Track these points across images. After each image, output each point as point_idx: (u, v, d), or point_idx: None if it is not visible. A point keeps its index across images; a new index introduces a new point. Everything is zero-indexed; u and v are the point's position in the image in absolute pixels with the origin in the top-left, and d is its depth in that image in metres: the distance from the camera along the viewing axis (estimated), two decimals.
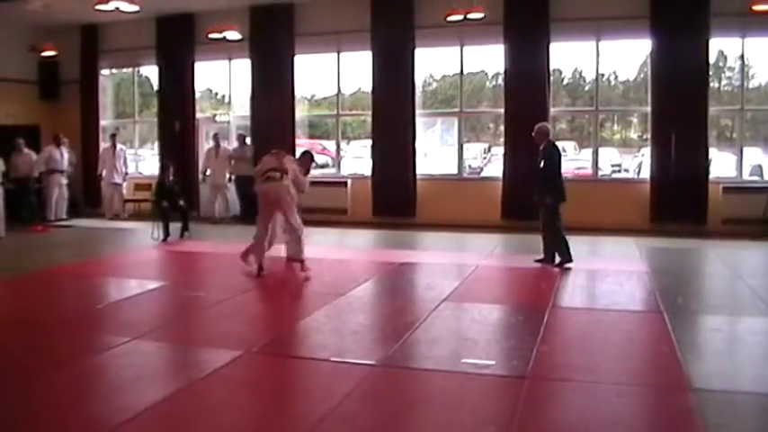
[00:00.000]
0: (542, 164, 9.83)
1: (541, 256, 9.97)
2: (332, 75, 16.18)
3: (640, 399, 5.02)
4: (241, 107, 16.90)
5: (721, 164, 14.78)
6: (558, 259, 9.78)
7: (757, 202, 13.47)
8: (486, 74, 17.35)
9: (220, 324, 6.97)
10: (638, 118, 16.76)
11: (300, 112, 16.67)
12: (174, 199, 12.95)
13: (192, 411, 4.68)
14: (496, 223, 14.26)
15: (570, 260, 9.75)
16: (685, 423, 4.48)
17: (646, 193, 13.96)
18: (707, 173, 13.86)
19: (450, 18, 14.01)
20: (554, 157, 9.83)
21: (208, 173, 16.12)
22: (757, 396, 4.94)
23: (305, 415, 4.55)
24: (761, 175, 14.90)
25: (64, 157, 16.12)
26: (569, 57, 15.86)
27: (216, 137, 16.11)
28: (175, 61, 16.62)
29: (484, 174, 16.88)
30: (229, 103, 17.36)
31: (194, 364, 5.74)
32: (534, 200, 9.99)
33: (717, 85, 15.51)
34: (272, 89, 15.86)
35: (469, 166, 16.73)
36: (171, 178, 13.19)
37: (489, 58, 15.97)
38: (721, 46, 14.92)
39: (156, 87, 17.48)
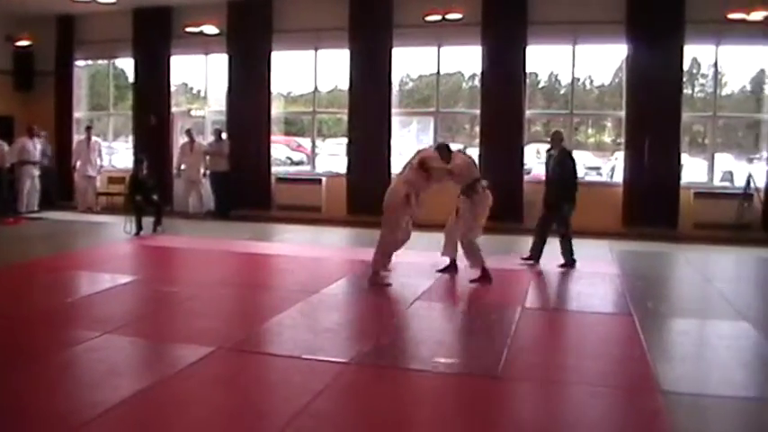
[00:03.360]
0: (555, 170, 9.95)
1: (527, 254, 10.13)
2: (309, 72, 16.16)
3: (609, 400, 5.08)
4: (217, 102, 16.83)
5: (693, 169, 14.93)
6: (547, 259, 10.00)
7: (728, 208, 13.67)
8: (463, 75, 17.37)
9: (193, 320, 6.96)
10: (612, 122, 16.87)
11: (276, 109, 16.63)
12: (147, 193, 12.86)
13: (164, 407, 4.67)
14: None
15: (574, 264, 9.95)
16: (653, 425, 4.55)
17: (619, 197, 14.08)
18: (679, 178, 14.02)
19: (428, 18, 14.06)
20: (567, 164, 9.95)
21: (182, 167, 16.04)
22: (724, 399, 5.02)
23: (277, 412, 4.56)
24: (732, 181, 15.08)
25: (37, 148, 15.95)
26: (546, 60, 15.93)
27: (189, 132, 16.04)
28: (152, 54, 16.50)
29: None
30: (205, 97, 17.29)
31: (167, 360, 5.73)
32: (545, 204, 10.16)
33: (690, 91, 15.65)
34: (249, 85, 15.82)
35: None
36: (145, 172, 13.09)
37: (466, 59, 16.00)
38: (695, 53, 15.07)
39: (131, 80, 17.34)
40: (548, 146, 10.68)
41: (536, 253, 10.11)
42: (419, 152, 9.13)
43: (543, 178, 10.64)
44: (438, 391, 5.10)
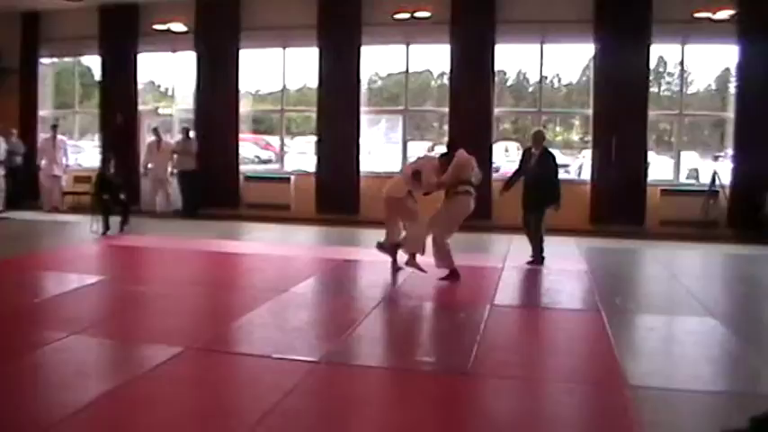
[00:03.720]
0: (535, 170, 9.96)
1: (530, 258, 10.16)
2: (277, 70, 16.12)
3: (578, 395, 5.11)
4: (185, 100, 16.73)
5: (660, 167, 15.10)
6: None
7: (694, 205, 13.84)
8: (432, 73, 17.42)
9: (161, 319, 6.90)
10: (579, 120, 16.99)
11: (245, 107, 16.55)
12: (114, 192, 12.73)
13: (133, 408, 4.63)
14: None
15: (542, 261, 10.05)
16: (621, 420, 4.58)
17: (586, 195, 14.20)
18: (646, 176, 14.17)
19: (397, 16, 14.07)
20: (550, 163, 9.98)
21: (149, 166, 15.91)
22: (691, 394, 5.07)
23: (247, 411, 4.52)
24: (697, 178, 15.28)
25: (1, 147, 15.71)
26: (514, 58, 16.03)
27: (156, 130, 15.92)
28: (118, 52, 16.35)
29: None
30: (173, 96, 17.17)
31: (135, 360, 5.66)
32: (525, 205, 10.18)
33: (657, 89, 15.82)
34: (217, 83, 15.74)
35: None
36: (112, 171, 12.98)
37: (435, 58, 16.04)
38: (662, 52, 15.25)
39: (98, 78, 17.17)
40: (517, 144, 10.73)
41: (537, 254, 10.10)
42: (421, 159, 9.31)
43: (510, 176, 10.61)
44: (407, 389, 5.10)
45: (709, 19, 13.66)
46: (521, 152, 11.04)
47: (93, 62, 17.44)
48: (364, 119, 15.56)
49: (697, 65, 15.67)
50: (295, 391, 4.89)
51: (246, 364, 5.61)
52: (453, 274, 8.76)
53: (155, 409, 4.58)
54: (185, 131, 15.78)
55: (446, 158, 8.92)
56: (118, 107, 16.39)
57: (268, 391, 4.84)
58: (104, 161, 13.56)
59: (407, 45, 15.36)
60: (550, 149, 10.39)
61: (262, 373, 5.34)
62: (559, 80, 17.07)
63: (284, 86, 16.32)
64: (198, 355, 5.70)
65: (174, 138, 16.28)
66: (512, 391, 5.19)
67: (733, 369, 5.92)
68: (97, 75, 17.22)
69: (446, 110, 15.16)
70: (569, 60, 16.29)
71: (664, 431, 4.33)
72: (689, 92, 15.62)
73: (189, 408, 4.67)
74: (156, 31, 15.55)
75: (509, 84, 17.28)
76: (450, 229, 9.00)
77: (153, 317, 7.12)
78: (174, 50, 16.55)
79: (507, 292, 8.56)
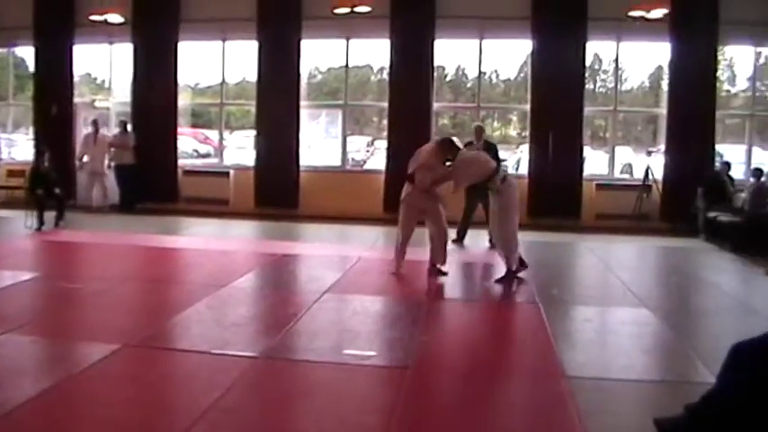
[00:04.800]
0: None
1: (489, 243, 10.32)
2: (217, 63, 15.96)
3: (517, 386, 5.22)
4: (122, 93, 16.43)
5: (595, 162, 15.38)
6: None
7: (628, 199, 14.14)
8: (372, 67, 17.45)
9: (98, 316, 6.79)
10: (517, 116, 17.20)
11: (183, 100, 16.35)
12: (49, 186, 12.48)
13: (69, 407, 4.55)
14: (378, 216, 14.37)
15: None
16: (559, 409, 4.67)
17: (524, 189, 14.33)
18: (581, 170, 14.44)
19: (336, 10, 14.04)
20: (492, 154, 10.08)
21: (85, 159, 15.61)
22: (626, 383, 5.19)
23: (187, 408, 4.49)
24: (631, 173, 15.65)
25: None
26: (453, 53, 16.14)
27: (95, 122, 15.62)
28: (53, 43, 15.96)
29: (367, 167, 16.98)
30: (110, 88, 16.87)
31: (71, 358, 5.56)
32: (473, 194, 10.27)
33: (592, 86, 16.11)
34: (155, 76, 15.51)
35: (353, 159, 16.80)
36: (46, 165, 12.71)
37: (375, 52, 16.08)
38: (597, 49, 15.56)
39: (32, 69, 16.76)
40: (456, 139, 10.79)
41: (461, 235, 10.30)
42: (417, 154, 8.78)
43: None
44: (347, 384, 5.10)
45: (643, 18, 13.96)
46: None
47: (28, 53, 17.00)
48: (304, 113, 15.52)
49: (631, 62, 16.01)
50: (234, 386, 4.87)
51: (185, 360, 5.57)
52: (517, 272, 8.61)
53: (92, 408, 4.51)
54: (122, 124, 15.53)
55: (448, 151, 8.55)
56: (53, 99, 16.02)
57: (207, 388, 4.80)
58: (38, 155, 13.28)
59: (347, 39, 15.37)
60: (492, 141, 10.54)
61: (201, 369, 5.29)
62: (498, 76, 17.24)
63: (223, 80, 16.20)
64: (136, 352, 5.62)
65: (111, 131, 16.00)
66: (452, 384, 5.25)
67: (666, 358, 6.07)
68: (31, 66, 16.80)
69: (385, 105, 15.22)
70: (507, 56, 16.49)
71: (600, 420, 4.41)
72: (623, 89, 15.96)
73: (127, 406, 4.60)
74: (93, 22, 15.26)
75: (448, 79, 17.40)
76: (516, 221, 8.68)
77: (89, 314, 7.00)
78: (110, 42, 16.23)
79: (447, 285, 8.62)
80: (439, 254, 8.69)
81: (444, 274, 8.64)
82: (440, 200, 8.70)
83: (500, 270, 8.95)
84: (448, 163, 8.54)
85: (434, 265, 8.71)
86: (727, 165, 13.73)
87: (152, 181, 15.42)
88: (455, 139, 8.89)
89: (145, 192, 15.48)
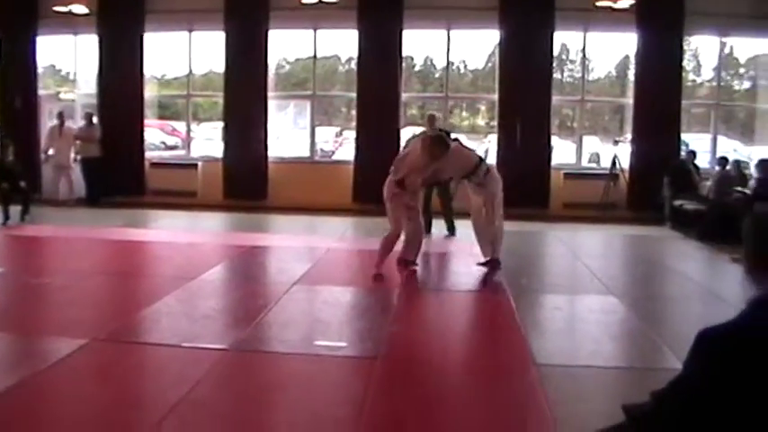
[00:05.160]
0: None
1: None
2: (183, 54, 15.82)
3: (488, 375, 5.23)
4: (87, 85, 16.24)
5: (562, 151, 15.49)
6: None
7: (595, 188, 14.26)
8: (340, 58, 17.41)
9: (65, 311, 6.70)
10: (485, 106, 17.27)
11: (150, 92, 16.19)
12: (14, 180, 12.30)
13: (38, 403, 4.49)
14: (347, 206, 14.38)
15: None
16: (530, 397, 4.70)
17: None
18: (549, 160, 14.53)
19: (304, 1, 13.98)
20: None
21: (50, 152, 15.40)
22: (594, 369, 5.25)
23: (156, 402, 4.46)
24: (598, 162, 15.78)
25: None
26: (421, 44, 16.15)
27: (60, 115, 15.41)
28: (16, 34, 15.69)
29: (335, 157, 16.98)
30: (75, 80, 16.66)
31: (38, 354, 5.48)
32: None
33: (560, 76, 16.21)
34: (121, 67, 15.33)
35: (321, 150, 16.78)
36: (11, 158, 12.53)
37: (343, 43, 16.04)
38: (565, 39, 15.65)
39: None
40: (413, 128, 10.82)
41: (427, 227, 10.31)
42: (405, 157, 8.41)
43: None
44: (318, 375, 5.10)
45: (609, 8, 14.08)
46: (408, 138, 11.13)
47: None
48: (272, 104, 15.46)
49: (598, 52, 16.17)
50: (205, 379, 4.84)
51: (154, 354, 5.52)
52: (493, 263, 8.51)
53: (60, 404, 4.47)
54: (88, 117, 15.34)
55: (438, 148, 8.10)
56: (17, 92, 15.78)
57: (177, 381, 4.76)
58: (3, 148, 13.06)
59: (315, 30, 15.32)
60: (445, 130, 10.54)
61: (170, 362, 5.25)
62: (466, 66, 17.31)
63: (190, 71, 16.07)
64: (104, 347, 5.56)
65: (76, 123, 15.80)
66: (422, 374, 5.26)
67: (634, 345, 6.13)
68: None
69: (354, 95, 15.20)
70: (475, 47, 16.53)
71: (570, 407, 4.45)
72: (590, 78, 16.08)
73: (96, 401, 4.56)
74: (57, 13, 15.05)
75: (416, 69, 17.42)
76: (501, 213, 8.60)
77: (56, 309, 6.92)
78: (75, 33, 16.01)
79: (418, 274, 8.63)
80: (413, 249, 8.45)
81: (414, 265, 8.60)
82: (418, 199, 8.50)
83: (466, 260, 9.01)
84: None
85: (405, 260, 8.51)
86: (693, 154, 13.88)
87: (119, 174, 15.25)
88: (444, 136, 8.67)
89: (111, 185, 15.30)
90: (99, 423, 4.21)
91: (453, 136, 9.32)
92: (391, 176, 8.10)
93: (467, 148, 8.87)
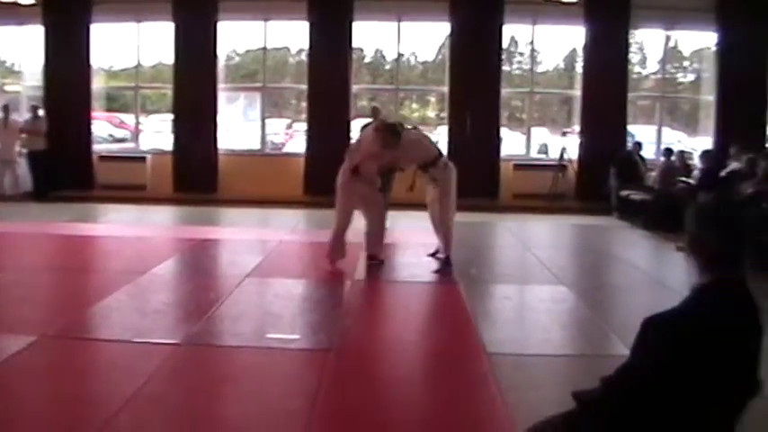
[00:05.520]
0: None
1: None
2: (131, 45, 15.61)
3: (439, 365, 5.30)
4: (33, 77, 15.94)
5: (512, 143, 15.65)
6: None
7: (544, 179, 14.44)
8: (290, 50, 17.34)
9: (13, 308, 6.58)
10: (435, 97, 17.34)
11: (97, 84, 15.95)
12: None
13: None
14: (299, 199, 14.37)
15: None
16: (481, 386, 4.78)
17: None
18: (499, 151, 14.67)
19: None
20: None
21: None
22: (544, 357, 5.36)
23: (109, 398, 4.41)
24: (547, 153, 15.98)
25: None
26: (372, 35, 16.17)
27: (5, 108, 15.10)
28: None
29: (286, 149, 16.92)
30: (20, 72, 16.35)
31: None
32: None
33: (509, 68, 16.35)
34: (68, 59, 15.08)
35: (272, 142, 16.72)
36: None
37: (293, 34, 15.97)
38: (514, 32, 15.78)
39: None
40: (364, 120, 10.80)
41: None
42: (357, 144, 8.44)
43: None
44: (271, 368, 5.11)
45: (558, 1, 14.28)
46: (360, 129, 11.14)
47: None
48: (222, 96, 15.36)
49: (547, 45, 16.34)
50: (157, 374, 4.82)
51: (106, 349, 5.48)
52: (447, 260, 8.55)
53: (9, 403, 4.39)
54: (34, 109, 15.06)
55: (391, 138, 8.10)
56: None
57: (129, 377, 4.73)
58: None
59: (265, 21, 15.24)
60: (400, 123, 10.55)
61: (122, 358, 5.21)
62: (416, 58, 17.37)
63: (138, 63, 15.87)
64: (54, 343, 5.50)
65: (22, 116, 15.51)
66: (375, 365, 5.30)
67: (583, 333, 6.25)
68: None
69: (304, 87, 15.17)
70: (426, 39, 16.60)
71: (521, 394, 4.53)
72: (539, 71, 16.25)
73: (47, 399, 4.51)
74: (2, 3, 14.76)
75: (367, 61, 17.42)
76: (454, 208, 8.74)
77: (4, 306, 6.79)
78: (20, 24, 15.71)
79: (368, 267, 8.65)
80: (376, 243, 8.46)
81: (381, 262, 8.54)
82: (377, 187, 8.44)
83: (416, 250, 9.08)
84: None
85: (373, 257, 8.48)
86: (639, 145, 14.13)
87: (66, 167, 15.01)
88: (395, 122, 8.76)
89: (59, 179, 15.05)
90: (50, 421, 4.17)
91: (410, 126, 9.35)
92: (345, 164, 8.12)
93: (427, 139, 8.93)
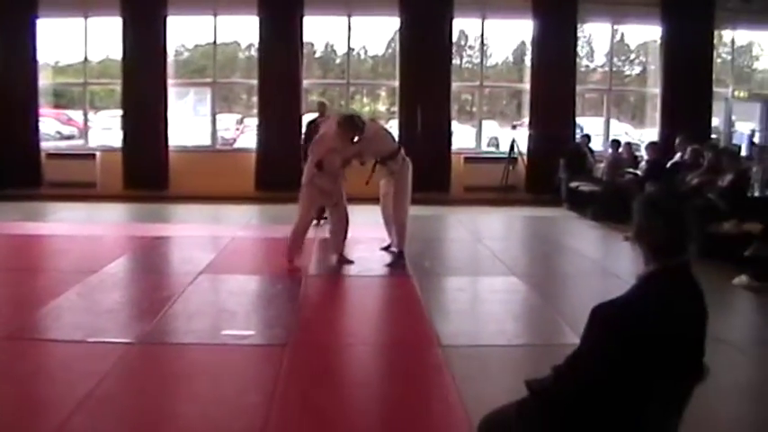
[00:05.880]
0: None
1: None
2: (79, 40, 15.37)
3: (395, 358, 5.37)
4: None
5: (462, 136, 15.77)
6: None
7: (495, 172, 14.59)
8: (240, 44, 17.23)
9: None
10: (386, 91, 17.38)
11: (44, 80, 15.66)
12: None
13: None
14: (250, 195, 14.31)
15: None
16: (435, 377, 4.86)
17: None
18: (450, 144, 14.78)
19: None
20: None
21: None
22: (497, 348, 5.45)
23: (62, 400, 4.37)
24: (497, 146, 16.14)
25: None
26: (322, 30, 16.14)
27: None
28: None
29: (237, 145, 16.83)
30: None
31: None
32: None
33: (459, 62, 16.46)
34: (13, 54, 14.75)
35: (222, 138, 16.61)
36: None
37: (243, 29, 15.88)
38: (463, 26, 15.89)
39: None
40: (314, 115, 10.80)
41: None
42: (320, 139, 8.32)
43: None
44: (226, 364, 5.12)
45: None
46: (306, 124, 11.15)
47: None
48: (171, 91, 15.18)
49: (496, 39, 16.48)
50: (111, 374, 4.80)
51: (57, 350, 5.41)
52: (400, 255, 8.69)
53: None
54: None
55: (351, 129, 8.17)
56: None
57: (82, 377, 4.70)
58: None
59: (215, 15, 15.12)
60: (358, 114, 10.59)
61: (74, 359, 5.15)
62: (366, 52, 17.38)
63: (86, 58, 15.62)
64: (4, 346, 5.42)
65: None
66: (331, 359, 5.34)
67: (535, 323, 6.38)
68: None
69: (255, 82, 15.09)
70: (376, 33, 16.63)
71: (475, 384, 4.61)
72: (488, 64, 16.38)
73: None
74: None
75: (317, 55, 17.40)
76: (408, 204, 8.86)
77: None
78: None
79: (322, 261, 8.70)
80: (340, 241, 8.41)
81: (351, 262, 8.46)
82: (342, 182, 8.38)
83: (369, 244, 9.13)
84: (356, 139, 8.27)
85: (343, 256, 8.44)
86: (587, 137, 14.35)
87: (12, 165, 14.72)
88: (355, 116, 8.69)
89: (5, 177, 14.77)
90: (1, 425, 4.11)
91: (369, 118, 9.39)
92: (309, 161, 8.11)
93: (387, 132, 8.99)
